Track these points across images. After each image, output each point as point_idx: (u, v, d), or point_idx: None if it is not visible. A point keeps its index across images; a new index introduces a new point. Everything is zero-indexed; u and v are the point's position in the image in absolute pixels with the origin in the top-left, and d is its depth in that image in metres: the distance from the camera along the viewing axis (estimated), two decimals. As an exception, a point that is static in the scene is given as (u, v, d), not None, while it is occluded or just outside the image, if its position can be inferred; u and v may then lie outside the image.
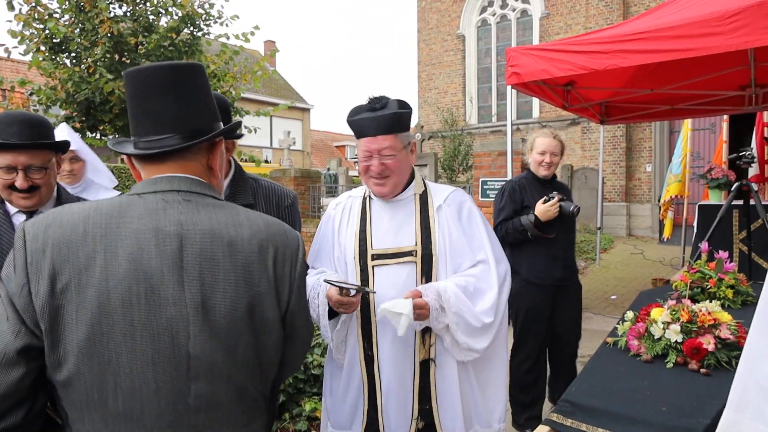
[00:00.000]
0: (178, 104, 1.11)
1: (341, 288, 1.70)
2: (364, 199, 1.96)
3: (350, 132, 1.92)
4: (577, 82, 6.08)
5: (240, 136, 1.91)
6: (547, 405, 3.70)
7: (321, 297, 1.80)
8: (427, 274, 1.81)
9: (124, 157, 1.15)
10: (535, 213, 3.19)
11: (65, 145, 1.85)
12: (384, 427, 1.78)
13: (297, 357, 1.29)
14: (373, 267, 1.83)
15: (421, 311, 1.69)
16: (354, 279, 1.85)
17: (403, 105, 1.82)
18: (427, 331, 1.79)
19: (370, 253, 1.84)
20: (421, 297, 1.71)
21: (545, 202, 3.20)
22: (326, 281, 1.72)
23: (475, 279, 1.85)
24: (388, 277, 1.82)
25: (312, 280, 1.86)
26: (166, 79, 1.10)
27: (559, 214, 3.19)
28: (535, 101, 14.76)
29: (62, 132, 2.78)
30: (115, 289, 0.98)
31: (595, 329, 5.63)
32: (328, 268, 1.94)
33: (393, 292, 1.76)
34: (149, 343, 1.00)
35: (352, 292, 1.71)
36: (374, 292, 1.77)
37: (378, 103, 1.79)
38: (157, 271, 1.01)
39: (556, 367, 3.57)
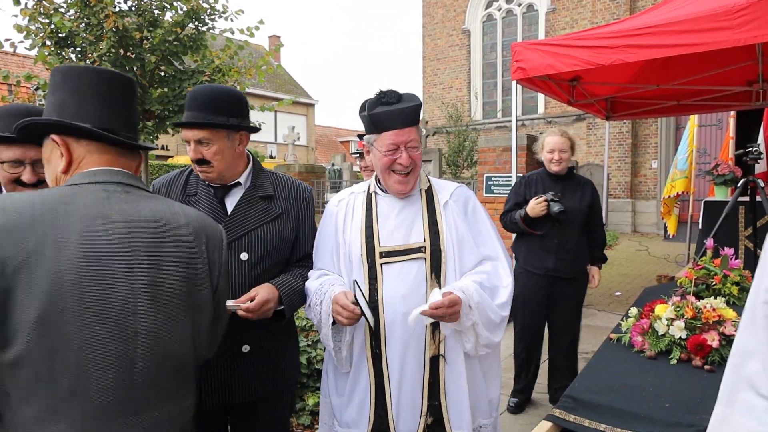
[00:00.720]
0: (135, 112, 1.32)
1: (357, 302, 1.67)
2: (369, 194, 1.93)
3: (355, 127, 1.91)
4: (582, 78, 6.04)
5: (256, 129, 1.90)
6: (545, 396, 3.73)
7: (324, 305, 1.78)
8: (436, 270, 1.80)
9: (57, 138, 1.21)
10: (526, 209, 3.40)
11: None
12: (394, 425, 1.76)
13: (218, 338, 1.44)
14: (381, 264, 1.80)
15: (453, 308, 1.66)
16: (361, 277, 1.82)
17: (416, 97, 1.82)
18: (436, 328, 1.78)
19: (377, 250, 1.81)
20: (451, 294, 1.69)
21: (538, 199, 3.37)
22: (355, 287, 1.69)
23: (488, 275, 1.85)
24: (399, 274, 1.79)
25: (314, 285, 1.84)
26: (132, 89, 1.30)
27: (548, 212, 3.34)
28: (540, 97, 14.69)
29: None
30: (67, 270, 1.04)
31: (599, 325, 5.62)
32: (330, 268, 1.90)
33: (403, 289, 1.75)
34: (99, 321, 1.07)
35: (358, 310, 1.68)
36: (370, 325, 1.74)
37: (392, 97, 1.78)
38: (107, 253, 1.10)
39: (554, 358, 3.66)
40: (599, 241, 3.62)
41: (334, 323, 1.79)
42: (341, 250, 1.89)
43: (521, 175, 4.02)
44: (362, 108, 1.85)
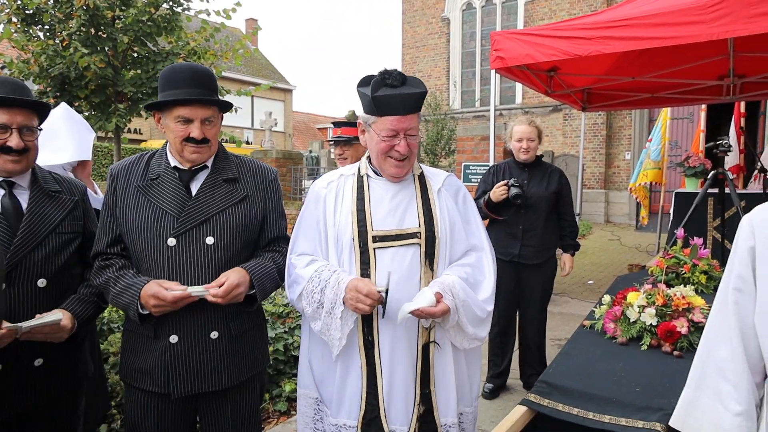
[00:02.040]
0: None
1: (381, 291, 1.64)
2: (360, 177, 1.87)
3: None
4: (560, 68, 6.09)
5: (229, 107, 1.85)
6: (518, 382, 3.80)
7: (329, 291, 1.71)
8: (430, 257, 1.78)
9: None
10: (489, 194, 3.49)
11: (48, 110, 1.81)
12: (385, 413, 1.74)
13: None
14: (374, 249, 1.76)
15: (444, 315, 1.69)
16: (353, 263, 1.77)
17: (421, 83, 1.77)
18: None
19: (370, 234, 1.76)
20: (441, 299, 1.68)
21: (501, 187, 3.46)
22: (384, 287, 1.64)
23: (472, 269, 1.85)
24: (393, 260, 1.75)
25: (308, 271, 1.77)
26: None
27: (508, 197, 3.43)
28: (518, 87, 14.78)
29: (63, 112, 2.76)
30: None
31: (572, 313, 5.74)
32: (317, 252, 1.84)
33: (397, 275, 1.72)
34: None
35: (382, 298, 1.65)
36: (382, 316, 1.70)
37: (396, 79, 1.70)
38: None
39: (524, 344, 3.74)
40: (569, 229, 3.67)
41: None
42: (330, 233, 1.82)
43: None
44: (363, 83, 1.77)
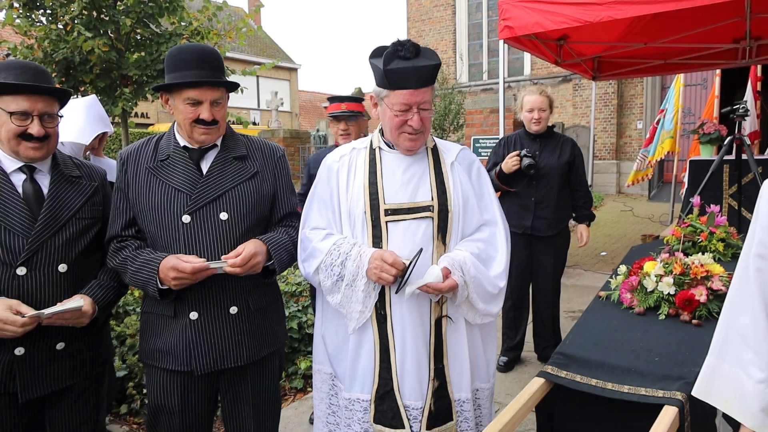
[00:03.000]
0: None
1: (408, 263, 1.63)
2: (372, 150, 1.84)
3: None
4: (570, 37, 5.95)
5: (236, 86, 1.83)
6: (533, 354, 3.80)
7: (351, 264, 1.70)
8: (442, 231, 1.76)
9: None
10: (501, 165, 3.44)
11: (69, 96, 1.81)
12: (399, 387, 1.74)
13: None
14: (386, 222, 1.74)
15: (451, 291, 1.69)
16: (365, 236, 1.76)
17: (435, 54, 1.73)
18: None
19: (382, 207, 1.74)
20: (449, 275, 1.67)
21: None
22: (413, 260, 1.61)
23: (485, 244, 1.82)
24: (405, 234, 1.74)
25: (326, 244, 1.75)
26: None
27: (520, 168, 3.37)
28: (527, 59, 14.52)
29: (98, 106, 2.93)
30: None
31: (586, 285, 5.71)
32: (333, 227, 1.82)
33: (409, 249, 1.70)
34: None
35: (402, 267, 1.64)
36: (399, 289, 1.68)
37: (410, 51, 1.65)
38: None
39: (537, 317, 3.72)
40: (584, 199, 3.61)
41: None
42: (343, 207, 1.81)
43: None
44: (375, 54, 1.73)
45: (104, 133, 2.98)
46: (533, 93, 3.47)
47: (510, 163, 3.37)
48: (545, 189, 3.47)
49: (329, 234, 1.81)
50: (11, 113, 1.63)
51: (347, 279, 1.73)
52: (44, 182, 1.74)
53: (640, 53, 6.63)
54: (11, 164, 1.70)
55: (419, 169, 1.81)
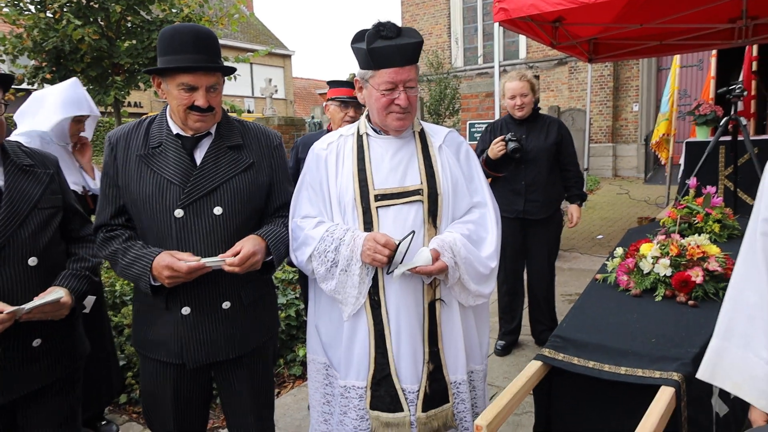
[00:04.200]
0: None
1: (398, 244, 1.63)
2: (359, 136, 1.83)
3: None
4: (565, 18, 5.90)
5: (232, 71, 1.76)
6: (530, 338, 3.82)
7: (345, 249, 1.69)
8: (433, 214, 1.76)
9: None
10: (487, 152, 3.42)
11: (12, 81, 1.70)
12: (396, 371, 1.75)
13: None
14: (377, 208, 1.74)
15: (440, 274, 1.69)
16: (356, 222, 1.76)
17: (417, 33, 1.72)
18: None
19: (372, 193, 1.74)
20: (439, 257, 1.67)
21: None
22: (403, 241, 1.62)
23: (475, 225, 1.82)
24: (396, 218, 1.74)
25: (318, 231, 1.75)
26: None
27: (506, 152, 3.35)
28: (522, 42, 14.41)
29: (77, 88, 2.69)
30: None
31: (582, 268, 5.73)
32: (324, 214, 1.82)
33: (400, 234, 1.69)
34: None
35: (393, 248, 1.64)
36: (388, 273, 1.68)
37: (391, 30, 1.66)
38: None
39: (533, 300, 3.73)
40: (574, 179, 3.60)
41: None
42: (333, 194, 1.80)
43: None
44: (357, 39, 1.73)
45: (79, 119, 2.71)
46: (513, 79, 3.43)
47: (495, 149, 3.36)
48: (534, 172, 3.46)
49: (321, 222, 1.80)
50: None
51: (341, 264, 1.72)
52: None
53: (635, 34, 6.59)
54: None
55: (407, 154, 1.81)
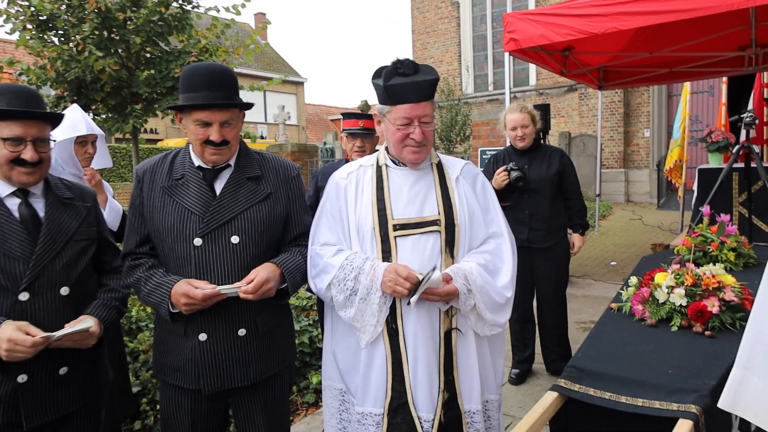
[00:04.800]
0: None
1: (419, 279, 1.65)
2: (378, 167, 1.89)
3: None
4: (575, 47, 5.98)
5: (249, 107, 1.84)
6: (543, 366, 3.78)
7: (365, 278, 1.72)
8: (450, 244, 1.79)
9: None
10: (492, 183, 3.44)
11: (60, 120, 1.81)
12: (413, 399, 1.75)
13: None
14: (395, 238, 1.77)
15: (448, 297, 1.71)
16: (375, 252, 1.79)
17: (433, 70, 1.79)
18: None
19: (390, 223, 1.78)
20: (450, 281, 1.70)
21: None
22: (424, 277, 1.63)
23: (491, 255, 1.85)
24: (414, 248, 1.77)
25: (338, 259, 1.77)
26: None
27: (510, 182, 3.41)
28: (532, 69, 14.57)
29: (75, 112, 2.70)
30: None
31: (596, 295, 5.68)
32: (343, 243, 1.85)
33: (418, 264, 1.73)
34: None
35: (421, 278, 1.66)
36: (410, 303, 1.70)
37: (408, 68, 1.73)
38: None
39: (542, 328, 3.71)
40: (576, 209, 3.64)
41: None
42: (352, 223, 1.84)
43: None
44: (376, 75, 1.79)
45: (83, 140, 2.67)
46: (514, 111, 3.49)
47: (499, 179, 3.41)
48: (537, 201, 3.50)
49: (340, 249, 1.83)
50: (4, 139, 1.61)
51: (361, 293, 1.74)
52: (39, 206, 1.72)
53: (645, 62, 6.65)
54: (4, 189, 1.67)
55: (425, 185, 1.85)
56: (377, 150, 3.26)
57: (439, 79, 1.80)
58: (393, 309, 1.76)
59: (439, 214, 1.80)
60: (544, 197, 3.50)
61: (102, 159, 2.91)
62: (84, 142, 2.71)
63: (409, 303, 1.70)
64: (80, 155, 2.71)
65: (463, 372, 1.80)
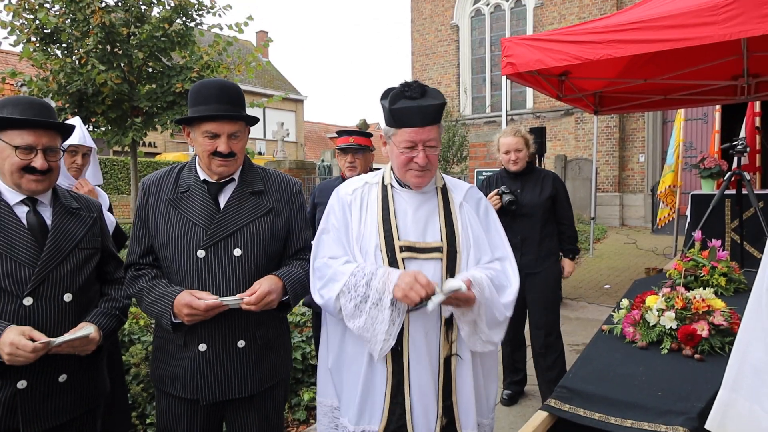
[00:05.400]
0: None
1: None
2: (384, 186, 1.87)
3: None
4: (571, 72, 6.09)
5: (255, 121, 1.89)
6: (536, 387, 3.77)
7: (377, 282, 1.66)
8: (451, 271, 1.78)
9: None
10: None
11: (71, 131, 1.85)
12: (411, 423, 1.73)
13: None
14: (403, 260, 1.75)
15: (467, 302, 1.68)
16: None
17: (441, 95, 1.77)
18: (450, 327, 1.77)
19: (397, 244, 1.76)
20: (470, 287, 1.66)
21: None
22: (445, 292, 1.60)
23: (497, 273, 1.84)
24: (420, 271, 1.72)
25: (348, 268, 1.73)
26: None
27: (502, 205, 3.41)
28: (529, 92, 14.77)
29: (80, 127, 2.71)
30: None
31: (589, 318, 5.69)
32: (350, 256, 1.82)
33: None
34: None
35: (433, 290, 1.62)
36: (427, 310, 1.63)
37: (416, 91, 1.71)
38: None
39: (534, 351, 3.66)
40: (568, 234, 3.64)
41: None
42: (355, 240, 1.82)
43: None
44: (384, 96, 1.78)
45: (73, 150, 2.67)
46: (508, 135, 3.49)
47: (492, 202, 3.36)
48: (529, 226, 3.49)
49: (348, 261, 1.80)
50: (16, 147, 1.65)
51: (373, 298, 1.67)
52: (46, 214, 1.76)
53: (640, 89, 6.76)
54: (13, 197, 1.71)
55: (428, 209, 1.84)
56: (374, 168, 3.31)
57: (446, 103, 1.78)
58: (399, 330, 1.72)
59: (441, 240, 1.79)
60: (535, 222, 3.49)
61: (94, 176, 2.91)
62: (74, 152, 2.71)
63: (418, 308, 1.62)
64: (67, 164, 2.71)
65: (461, 397, 1.80)
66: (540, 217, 3.49)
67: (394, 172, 1.89)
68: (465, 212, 1.87)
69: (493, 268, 1.85)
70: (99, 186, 2.88)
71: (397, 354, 1.74)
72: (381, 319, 1.68)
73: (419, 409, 1.74)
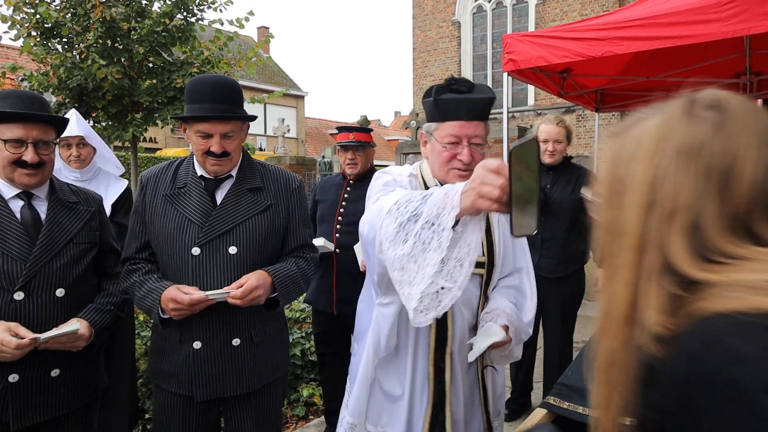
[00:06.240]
0: None
1: None
2: (427, 187, 1.71)
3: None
4: (573, 69, 6.06)
5: (251, 119, 1.87)
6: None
7: (455, 188, 1.15)
8: (486, 284, 1.73)
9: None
10: None
11: (65, 124, 1.83)
12: None
13: None
14: None
15: (502, 347, 1.63)
16: None
17: (490, 90, 1.64)
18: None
19: None
20: (507, 331, 1.60)
21: None
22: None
23: (516, 291, 1.79)
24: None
25: (401, 192, 1.41)
26: None
27: None
28: (531, 89, 14.74)
29: (72, 117, 2.67)
30: None
31: (590, 315, 5.68)
32: None
33: (463, 297, 1.51)
34: None
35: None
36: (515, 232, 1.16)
37: (463, 85, 1.57)
38: None
39: (546, 362, 3.47)
40: None
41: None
42: None
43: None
44: (427, 93, 1.66)
45: (67, 142, 2.63)
46: (550, 122, 3.23)
47: None
48: (554, 226, 3.18)
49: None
50: (5, 141, 1.64)
51: (426, 215, 1.19)
52: (42, 208, 1.75)
53: (642, 86, 6.74)
54: (9, 191, 1.70)
55: None
56: (374, 165, 3.29)
57: (495, 98, 1.62)
58: (443, 346, 1.65)
59: (483, 254, 1.68)
60: (561, 222, 3.17)
61: (112, 164, 2.87)
62: (68, 144, 2.66)
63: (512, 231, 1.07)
64: (65, 158, 2.68)
65: (492, 407, 1.80)
66: (567, 216, 3.16)
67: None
68: (501, 224, 1.75)
69: (511, 286, 1.79)
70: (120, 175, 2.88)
71: (439, 371, 1.65)
72: (433, 246, 1.17)
73: (464, 423, 1.71)
